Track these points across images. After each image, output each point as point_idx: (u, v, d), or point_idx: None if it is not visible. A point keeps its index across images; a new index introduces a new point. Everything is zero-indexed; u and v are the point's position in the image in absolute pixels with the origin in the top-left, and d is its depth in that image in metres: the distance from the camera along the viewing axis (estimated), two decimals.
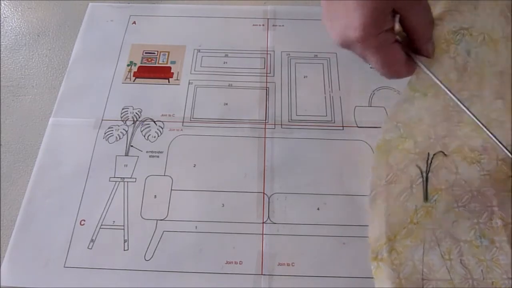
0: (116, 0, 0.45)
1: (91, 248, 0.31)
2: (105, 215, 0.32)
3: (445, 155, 0.29)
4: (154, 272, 0.30)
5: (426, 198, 0.28)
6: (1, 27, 0.44)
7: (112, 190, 0.33)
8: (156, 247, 0.31)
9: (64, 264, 0.30)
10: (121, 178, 0.34)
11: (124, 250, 0.31)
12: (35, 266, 0.30)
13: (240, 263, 0.30)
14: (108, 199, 0.33)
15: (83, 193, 0.33)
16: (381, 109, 0.37)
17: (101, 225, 0.32)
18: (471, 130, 0.29)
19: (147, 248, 0.31)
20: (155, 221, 0.32)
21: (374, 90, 0.38)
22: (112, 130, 0.36)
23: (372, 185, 0.29)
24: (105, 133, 0.36)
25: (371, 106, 0.37)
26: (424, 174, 0.29)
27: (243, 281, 0.30)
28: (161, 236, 0.32)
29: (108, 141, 0.36)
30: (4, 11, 0.45)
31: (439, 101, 0.29)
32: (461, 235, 0.27)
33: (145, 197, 0.33)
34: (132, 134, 0.36)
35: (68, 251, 0.31)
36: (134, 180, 0.34)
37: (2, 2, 0.46)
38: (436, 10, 0.30)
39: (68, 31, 0.43)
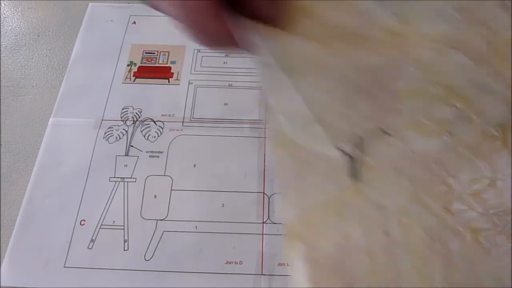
0: (116, 0, 0.45)
1: (91, 248, 0.31)
2: (105, 215, 0.32)
3: (387, 133, 0.23)
4: (154, 272, 0.30)
5: (356, 176, 0.23)
6: (1, 27, 0.44)
7: (112, 190, 0.33)
8: (156, 247, 0.31)
9: (64, 264, 0.30)
10: (121, 178, 0.34)
11: (124, 250, 0.31)
12: (35, 266, 0.30)
13: (240, 263, 0.30)
14: (108, 199, 0.33)
15: (83, 193, 0.33)
16: None
17: (101, 225, 0.32)
18: (433, 98, 0.22)
19: (147, 248, 0.31)
20: (155, 221, 0.32)
21: None
22: (112, 130, 0.36)
23: (280, 181, 0.25)
24: (105, 133, 0.36)
25: None
26: (355, 155, 0.23)
27: (243, 281, 0.30)
28: (161, 236, 0.32)
29: (108, 141, 0.36)
30: (4, 11, 0.45)
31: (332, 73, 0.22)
32: (391, 205, 0.23)
33: (145, 197, 0.33)
34: (132, 134, 0.36)
35: (68, 251, 0.31)
36: (134, 180, 0.34)
37: (2, 2, 0.46)
38: None
39: (68, 31, 0.43)
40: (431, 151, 0.23)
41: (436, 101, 0.22)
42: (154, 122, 0.37)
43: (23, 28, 0.44)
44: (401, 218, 0.23)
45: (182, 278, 0.30)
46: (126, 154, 0.35)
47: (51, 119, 0.37)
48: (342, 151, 0.24)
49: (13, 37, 0.43)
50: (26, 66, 0.41)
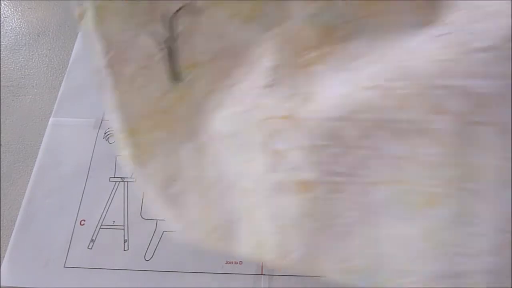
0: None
1: (91, 248, 0.31)
2: (105, 215, 0.32)
3: (197, 12, 0.18)
4: (154, 272, 0.30)
5: (175, 77, 0.19)
6: (1, 27, 0.44)
7: (112, 190, 0.33)
8: (156, 247, 0.31)
9: (64, 264, 0.30)
10: (121, 178, 0.34)
11: (124, 250, 0.31)
12: (35, 266, 0.30)
13: (240, 263, 0.30)
14: (108, 199, 0.33)
15: (83, 193, 0.33)
16: None
17: (101, 225, 0.32)
18: None
19: (147, 248, 0.31)
20: (155, 221, 0.32)
21: None
22: (112, 130, 0.36)
23: (95, 69, 0.20)
24: (105, 133, 0.36)
25: None
26: (166, 44, 0.19)
27: (243, 281, 0.30)
28: (161, 236, 0.31)
29: (108, 141, 0.36)
30: (4, 11, 0.45)
31: None
32: (219, 125, 0.18)
33: (145, 197, 0.33)
34: None
35: (68, 251, 0.31)
36: (134, 180, 0.34)
37: (2, 2, 0.46)
38: None
39: (68, 31, 0.43)
40: (250, 41, 0.18)
41: None
42: None
43: (23, 28, 0.44)
44: (235, 149, 0.18)
45: (182, 278, 0.30)
46: None
47: (51, 119, 0.37)
48: (153, 37, 0.19)
49: (13, 37, 0.43)
50: (26, 66, 0.41)
